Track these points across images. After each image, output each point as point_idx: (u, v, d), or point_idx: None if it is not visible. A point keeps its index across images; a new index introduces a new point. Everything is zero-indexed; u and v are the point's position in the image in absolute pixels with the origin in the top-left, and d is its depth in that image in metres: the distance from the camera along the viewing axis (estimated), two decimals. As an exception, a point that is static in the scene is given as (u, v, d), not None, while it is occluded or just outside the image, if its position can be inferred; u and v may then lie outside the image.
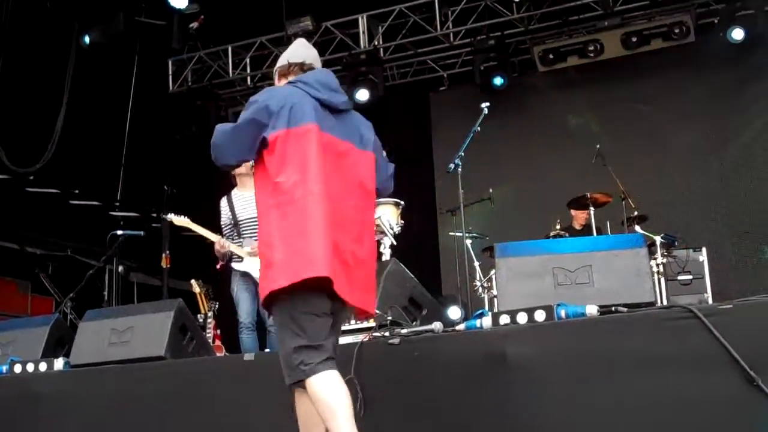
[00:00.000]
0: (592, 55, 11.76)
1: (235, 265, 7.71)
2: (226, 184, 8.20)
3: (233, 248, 7.62)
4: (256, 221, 7.16)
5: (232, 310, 8.08)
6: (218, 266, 7.80)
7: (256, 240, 7.52)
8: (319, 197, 4.04)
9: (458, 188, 7.90)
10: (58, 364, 6.02)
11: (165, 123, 13.32)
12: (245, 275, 7.68)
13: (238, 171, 7.80)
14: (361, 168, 4.38)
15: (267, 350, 7.75)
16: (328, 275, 3.92)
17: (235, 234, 7.82)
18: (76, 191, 12.75)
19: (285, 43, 12.55)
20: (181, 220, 7.88)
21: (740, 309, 4.17)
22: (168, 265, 10.16)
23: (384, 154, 4.74)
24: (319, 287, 3.96)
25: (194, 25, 12.40)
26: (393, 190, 4.84)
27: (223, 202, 8.00)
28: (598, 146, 10.26)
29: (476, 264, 9.56)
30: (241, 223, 7.81)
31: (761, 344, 3.97)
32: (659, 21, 11.34)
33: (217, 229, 7.80)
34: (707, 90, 11.74)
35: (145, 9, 12.01)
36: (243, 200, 7.90)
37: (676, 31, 11.18)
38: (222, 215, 7.96)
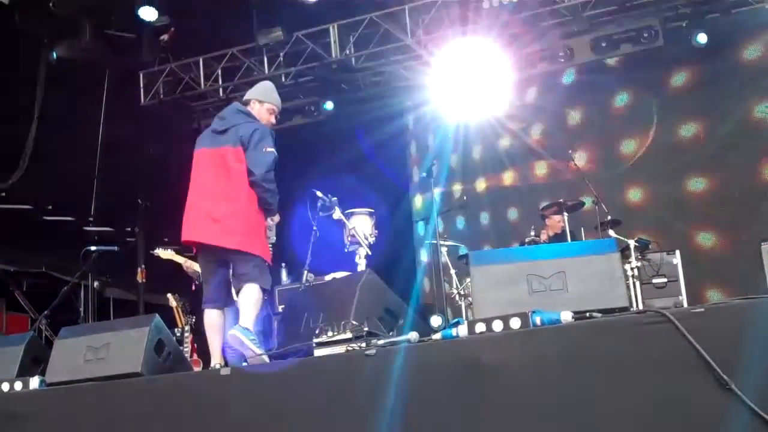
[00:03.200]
0: (562, 60, 11.82)
1: None
2: None
3: None
4: None
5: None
6: (193, 286, 8.14)
7: None
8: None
9: (432, 196, 7.92)
10: (34, 382, 5.98)
11: (137, 136, 13.26)
12: None
13: None
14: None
15: (244, 364, 7.77)
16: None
17: None
18: (49, 207, 12.67)
19: (257, 53, 12.57)
20: (167, 254, 8.24)
21: (713, 312, 4.21)
22: (144, 280, 10.12)
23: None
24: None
25: (165, 37, 12.37)
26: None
27: None
28: (570, 151, 10.32)
29: (452, 272, 9.58)
30: None
31: (734, 347, 4.00)
32: (628, 26, 11.41)
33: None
34: (676, 93, 11.83)
35: (114, 22, 11.96)
36: None
37: (645, 35, 11.25)
38: None
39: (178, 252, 8.07)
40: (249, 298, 5.98)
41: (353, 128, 12.78)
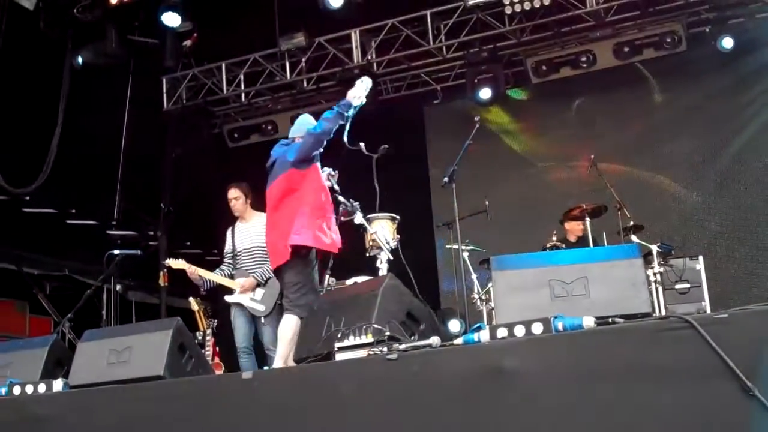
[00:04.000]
0: (584, 65, 11.79)
1: (227, 298, 8.22)
2: (222, 203, 8.53)
3: (225, 282, 8.33)
4: (252, 252, 7.78)
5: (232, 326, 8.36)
6: (202, 291, 8.38)
7: (249, 272, 7.99)
8: None
9: (454, 201, 7.90)
10: (57, 385, 6.00)
11: (160, 141, 13.34)
12: (238, 304, 8.15)
13: (235, 207, 8.32)
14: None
15: (266, 368, 7.80)
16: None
17: (233, 264, 8.32)
18: (73, 211, 12.78)
19: (279, 59, 12.62)
20: (178, 263, 8.43)
21: (736, 318, 4.17)
22: (166, 283, 10.14)
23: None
24: None
25: (187, 42, 12.46)
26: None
27: (228, 232, 8.60)
28: (593, 156, 10.28)
29: (474, 277, 9.56)
30: (239, 254, 8.37)
31: (757, 354, 3.96)
32: (651, 31, 11.37)
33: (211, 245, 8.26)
34: (700, 99, 11.78)
35: (138, 28, 12.04)
36: (242, 233, 8.45)
37: (668, 40, 11.21)
38: (226, 244, 8.44)
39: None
40: None
41: (374, 132, 12.78)
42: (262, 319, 8.18)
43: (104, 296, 11.10)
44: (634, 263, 5.09)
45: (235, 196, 8.47)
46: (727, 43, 10.84)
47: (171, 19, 11.45)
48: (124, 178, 12.58)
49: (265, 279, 8.23)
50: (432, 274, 12.60)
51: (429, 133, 13.53)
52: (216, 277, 8.33)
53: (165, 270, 8.84)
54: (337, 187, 7.51)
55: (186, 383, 5.71)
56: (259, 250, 8.31)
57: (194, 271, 8.29)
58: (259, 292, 8.20)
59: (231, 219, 8.62)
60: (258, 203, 8.64)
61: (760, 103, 11.36)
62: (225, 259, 8.54)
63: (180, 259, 8.48)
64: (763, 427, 3.82)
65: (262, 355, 8.28)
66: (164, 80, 13.44)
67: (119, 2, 11.24)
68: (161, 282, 10.14)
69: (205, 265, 8.68)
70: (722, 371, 3.97)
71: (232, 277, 8.33)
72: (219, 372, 8.52)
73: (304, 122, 7.41)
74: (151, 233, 12.75)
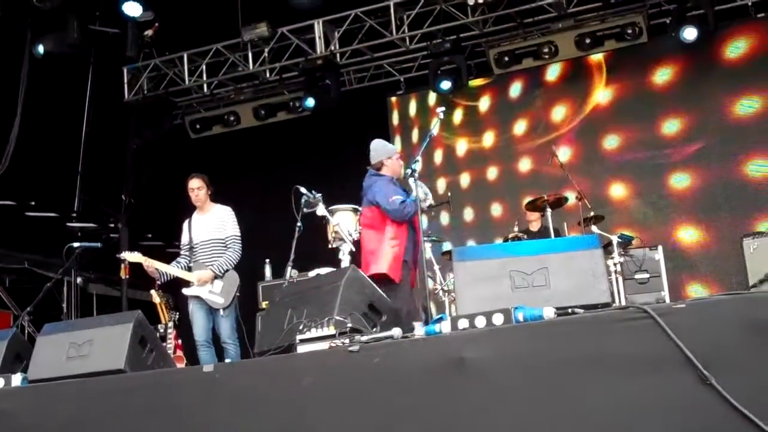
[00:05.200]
0: (546, 57, 11.86)
1: (184, 291, 8.17)
2: (184, 194, 8.47)
3: (182, 275, 8.29)
4: (209, 244, 7.74)
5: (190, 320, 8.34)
6: (157, 284, 8.37)
7: (205, 265, 7.95)
8: None
9: (416, 192, 7.92)
10: (16, 379, 5.94)
11: (121, 132, 13.23)
12: (196, 297, 8.12)
13: (198, 197, 8.29)
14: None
15: (227, 360, 7.78)
16: None
17: (190, 256, 8.29)
18: (32, 203, 12.63)
19: (241, 49, 12.55)
20: (134, 256, 8.37)
21: (694, 308, 4.22)
22: (127, 276, 10.05)
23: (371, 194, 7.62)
24: None
25: (149, 32, 12.34)
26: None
27: (185, 224, 8.53)
28: (554, 147, 10.35)
29: (436, 268, 9.59)
30: (196, 246, 8.32)
31: (714, 343, 4.01)
32: (612, 22, 11.45)
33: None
34: (659, 89, 11.88)
35: (99, 17, 11.91)
36: (200, 224, 8.42)
37: (629, 31, 11.29)
38: (183, 236, 8.38)
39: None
40: None
41: (337, 124, 12.78)
42: (221, 312, 8.15)
43: (64, 289, 11.01)
44: (593, 254, 5.11)
45: (198, 185, 8.42)
46: (689, 34, 10.88)
47: (132, 9, 11.33)
48: (84, 169, 12.45)
49: (222, 271, 8.20)
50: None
51: (392, 124, 13.54)
52: (173, 269, 8.29)
53: (126, 262, 8.78)
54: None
55: (147, 377, 5.67)
56: (217, 242, 8.29)
57: (150, 264, 8.24)
58: (218, 285, 8.17)
59: (192, 210, 8.57)
60: (216, 195, 8.62)
61: (719, 92, 11.47)
62: (182, 252, 8.51)
63: (136, 252, 8.44)
64: (719, 415, 3.87)
65: (220, 349, 8.27)
66: (125, 70, 13.32)
67: (80, -9, 11.13)
68: (122, 274, 10.03)
69: (167, 257, 8.64)
70: (680, 360, 4.02)
71: (189, 269, 8.30)
72: (180, 365, 8.47)
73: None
74: (112, 225, 12.66)
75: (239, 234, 8.46)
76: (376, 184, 7.63)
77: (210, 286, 8.15)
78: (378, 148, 7.93)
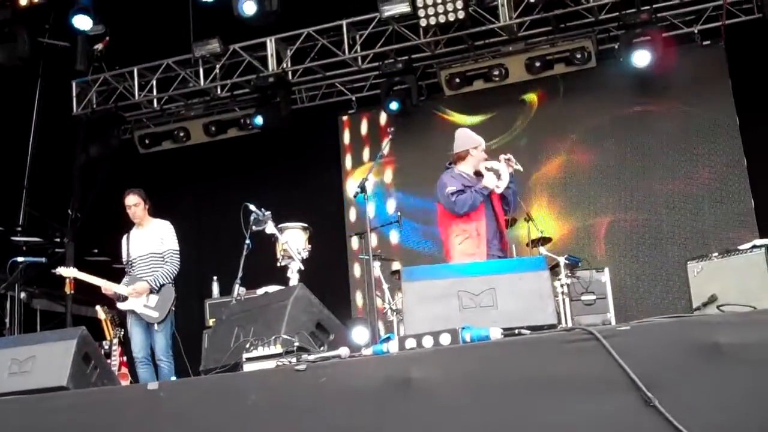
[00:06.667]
0: (497, 79, 11.95)
1: (119, 305, 8.12)
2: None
3: (116, 288, 8.20)
4: (147, 259, 7.67)
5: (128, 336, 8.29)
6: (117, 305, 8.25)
7: (142, 279, 7.87)
8: None
9: (366, 212, 7.94)
10: (-44, 396, 5.83)
11: (69, 146, 13.08)
12: (133, 312, 8.05)
13: (135, 214, 8.24)
14: None
15: (173, 378, 7.71)
16: None
17: (128, 271, 8.24)
18: (-25, 216, 12.41)
19: (193, 65, 12.50)
20: (69, 271, 8.31)
21: (639, 330, 4.27)
22: (72, 291, 9.93)
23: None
24: None
25: (99, 46, 12.25)
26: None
27: (123, 240, 8.49)
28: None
29: (385, 287, 9.60)
30: (134, 261, 8.25)
31: (658, 365, 4.07)
32: (562, 46, 11.60)
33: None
34: (608, 113, 12.02)
35: (48, 30, 11.80)
36: (138, 240, 8.35)
37: (578, 56, 11.44)
38: (122, 253, 8.33)
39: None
40: None
41: (288, 142, 12.77)
42: (155, 326, 8.08)
43: (8, 304, 10.81)
44: (540, 275, 5.17)
45: (135, 202, 8.37)
46: (637, 59, 11.00)
47: (82, 22, 11.25)
48: (30, 183, 12.29)
49: (159, 285, 8.14)
50: (344, 284, 12.60)
51: (343, 143, 13.54)
52: (107, 283, 8.19)
53: (71, 278, 8.67)
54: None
55: (90, 394, 5.59)
56: (155, 256, 8.24)
57: (109, 287, 8.17)
58: (153, 299, 8.11)
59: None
60: (155, 209, 8.57)
61: (666, 117, 11.64)
62: (125, 268, 8.45)
63: (72, 267, 8.38)
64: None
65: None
66: (74, 84, 13.18)
67: (29, 3, 11.01)
68: (67, 290, 9.92)
69: (113, 273, 8.56)
70: (624, 382, 4.07)
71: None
72: (125, 383, 8.38)
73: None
74: (58, 240, 12.48)
75: (178, 249, 8.42)
76: (442, 177, 7.43)
77: (145, 300, 8.08)
78: (463, 136, 7.58)
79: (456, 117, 12.72)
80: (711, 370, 4.01)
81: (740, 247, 8.53)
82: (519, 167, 7.32)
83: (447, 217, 7.30)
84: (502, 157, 7.31)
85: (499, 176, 7.20)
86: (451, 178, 7.29)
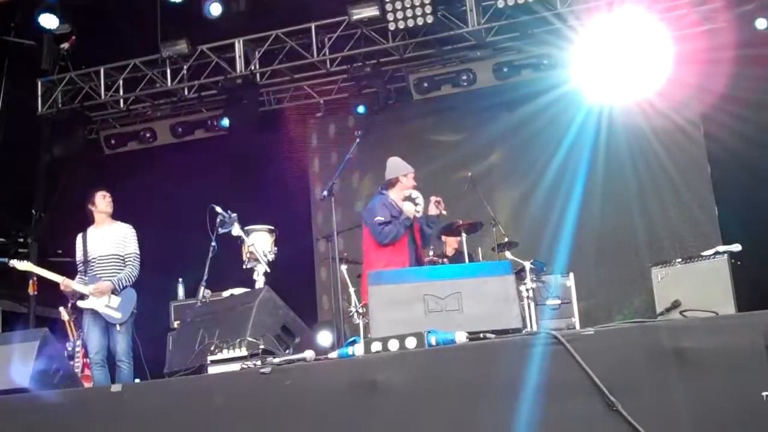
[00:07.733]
0: (465, 84, 11.99)
1: (80, 303, 7.97)
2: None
3: (77, 287, 8.04)
4: (107, 259, 7.48)
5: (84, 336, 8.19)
6: (70, 305, 8.12)
7: (103, 279, 7.77)
8: None
9: (332, 215, 7.93)
10: None
11: (33, 146, 12.95)
12: (93, 312, 7.94)
13: (108, 203, 8.14)
14: None
15: (137, 380, 7.66)
16: None
17: (85, 271, 8.10)
18: (-63, 216, 12.27)
19: (160, 65, 12.42)
20: (24, 265, 8.17)
21: (602, 335, 4.32)
22: (35, 292, 9.84)
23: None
24: None
25: (65, 45, 12.14)
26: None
27: (79, 239, 8.34)
28: (470, 174, 10.44)
29: (351, 290, 9.59)
30: (91, 261, 8.12)
31: (620, 370, 4.11)
32: (529, 52, 11.65)
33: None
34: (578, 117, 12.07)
35: (14, 28, 11.68)
36: (97, 239, 8.23)
37: (545, 62, 11.51)
38: (77, 252, 8.19)
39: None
40: None
41: (256, 144, 12.72)
42: (117, 327, 8.00)
43: (-30, 305, 10.70)
44: (506, 280, 5.22)
45: (110, 200, 8.36)
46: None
47: (48, 21, 11.16)
48: (-6, 182, 12.16)
49: (122, 286, 8.08)
50: (310, 287, 12.58)
51: (310, 146, 13.52)
52: (66, 280, 8.07)
53: (34, 278, 8.59)
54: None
55: (52, 396, 5.55)
56: (116, 257, 8.17)
57: (68, 284, 8.06)
58: (115, 300, 8.03)
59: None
60: (121, 210, 8.52)
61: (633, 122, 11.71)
62: (78, 267, 8.31)
63: (26, 261, 8.26)
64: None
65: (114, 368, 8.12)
66: (40, 83, 13.04)
67: (-6, 1, 10.92)
68: (30, 290, 9.83)
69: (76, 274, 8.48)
70: (588, 386, 4.11)
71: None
72: (88, 384, 8.30)
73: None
74: (21, 240, 12.35)
75: (139, 253, 8.36)
76: (374, 202, 7.82)
77: (107, 300, 8.00)
78: (394, 164, 8.02)
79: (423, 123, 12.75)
80: (673, 375, 4.06)
81: (703, 254, 8.65)
82: (444, 212, 7.97)
83: (372, 242, 7.72)
84: (433, 198, 7.88)
85: (415, 203, 7.70)
86: (382, 207, 7.70)
